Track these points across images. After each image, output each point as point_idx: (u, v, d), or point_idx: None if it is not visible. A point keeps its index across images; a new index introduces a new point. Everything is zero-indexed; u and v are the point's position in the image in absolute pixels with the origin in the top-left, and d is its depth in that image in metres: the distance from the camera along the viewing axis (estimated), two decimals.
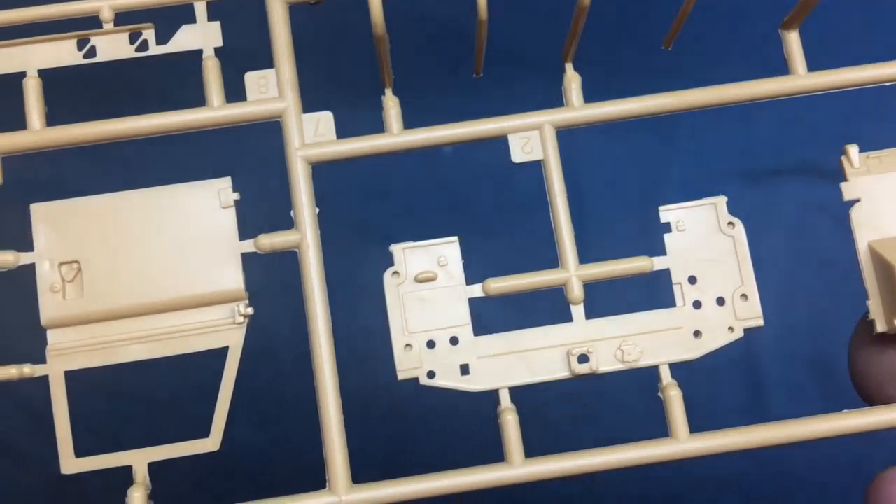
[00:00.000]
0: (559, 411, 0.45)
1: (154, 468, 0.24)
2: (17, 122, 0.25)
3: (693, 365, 0.25)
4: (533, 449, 0.25)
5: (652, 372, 0.25)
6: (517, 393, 0.25)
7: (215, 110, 0.26)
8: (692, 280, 0.26)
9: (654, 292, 0.26)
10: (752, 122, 0.51)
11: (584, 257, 0.26)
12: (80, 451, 0.24)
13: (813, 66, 0.27)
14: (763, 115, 0.50)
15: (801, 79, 0.27)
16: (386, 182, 0.46)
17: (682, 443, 0.25)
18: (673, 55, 0.27)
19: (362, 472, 0.24)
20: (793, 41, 0.27)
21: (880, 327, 0.25)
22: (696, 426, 0.25)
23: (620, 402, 0.44)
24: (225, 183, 0.26)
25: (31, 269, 0.25)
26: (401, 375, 0.25)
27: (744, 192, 0.49)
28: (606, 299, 0.26)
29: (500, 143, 0.26)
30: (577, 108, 0.26)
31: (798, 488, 0.48)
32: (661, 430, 0.25)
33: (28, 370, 0.25)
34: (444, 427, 0.44)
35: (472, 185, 0.47)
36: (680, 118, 0.25)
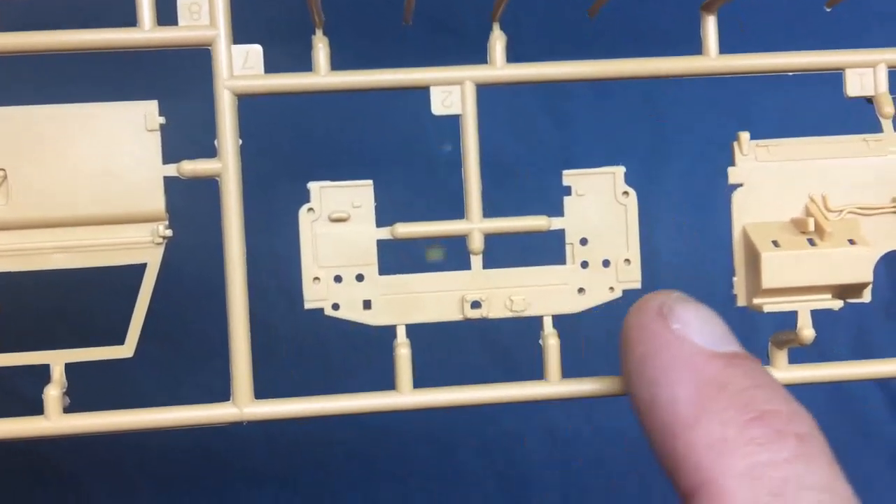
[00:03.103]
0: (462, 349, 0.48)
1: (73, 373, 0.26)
2: None
3: None
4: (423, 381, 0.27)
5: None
6: (416, 330, 0.28)
7: (146, 32, 0.26)
8: (583, 242, 0.28)
9: (550, 248, 0.29)
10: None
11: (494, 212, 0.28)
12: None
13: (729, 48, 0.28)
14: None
15: (710, 60, 0.28)
16: (311, 122, 0.46)
17: (554, 385, 0.28)
18: (608, 26, 0.28)
19: (265, 391, 0.27)
20: (709, 23, 0.28)
21: (740, 302, 0.28)
22: None
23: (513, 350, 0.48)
24: (152, 106, 0.26)
25: None
26: (307, 305, 0.27)
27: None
28: (506, 250, 0.28)
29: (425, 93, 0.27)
30: (499, 68, 0.27)
31: None
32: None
33: None
34: (345, 355, 0.47)
35: (394, 134, 0.47)
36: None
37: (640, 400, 0.23)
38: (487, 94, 0.28)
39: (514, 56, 0.28)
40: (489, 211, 0.28)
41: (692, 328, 0.23)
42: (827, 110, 0.29)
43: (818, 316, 0.28)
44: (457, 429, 0.50)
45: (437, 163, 0.46)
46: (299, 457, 0.49)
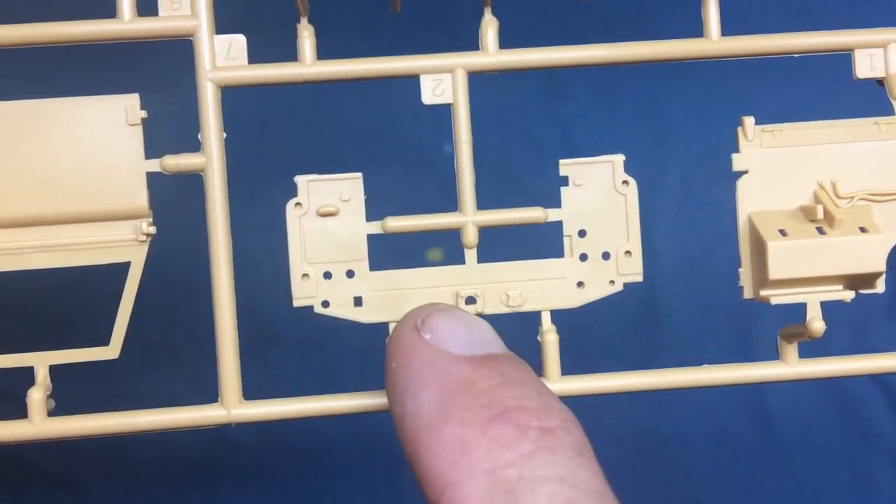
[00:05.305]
0: None
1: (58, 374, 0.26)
2: None
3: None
4: None
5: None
6: None
7: (126, 23, 0.26)
8: (582, 233, 0.27)
9: (548, 241, 0.28)
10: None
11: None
12: None
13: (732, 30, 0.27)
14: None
15: (712, 43, 0.27)
16: (300, 113, 0.46)
17: (554, 383, 0.27)
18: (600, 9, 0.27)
19: (253, 392, 0.26)
20: (711, 4, 0.27)
21: (746, 294, 0.27)
22: None
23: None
24: (133, 100, 0.26)
25: None
26: (296, 303, 0.26)
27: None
28: (503, 244, 0.27)
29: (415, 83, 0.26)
30: (491, 54, 0.27)
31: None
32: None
33: None
34: (335, 354, 0.46)
35: (383, 125, 0.46)
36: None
37: (394, 415, 0.21)
38: (487, 98, 0.27)
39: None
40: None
41: (443, 335, 0.21)
42: (837, 107, 0.27)
43: None
44: None
45: (432, 158, 0.45)
46: (297, 461, 0.49)
